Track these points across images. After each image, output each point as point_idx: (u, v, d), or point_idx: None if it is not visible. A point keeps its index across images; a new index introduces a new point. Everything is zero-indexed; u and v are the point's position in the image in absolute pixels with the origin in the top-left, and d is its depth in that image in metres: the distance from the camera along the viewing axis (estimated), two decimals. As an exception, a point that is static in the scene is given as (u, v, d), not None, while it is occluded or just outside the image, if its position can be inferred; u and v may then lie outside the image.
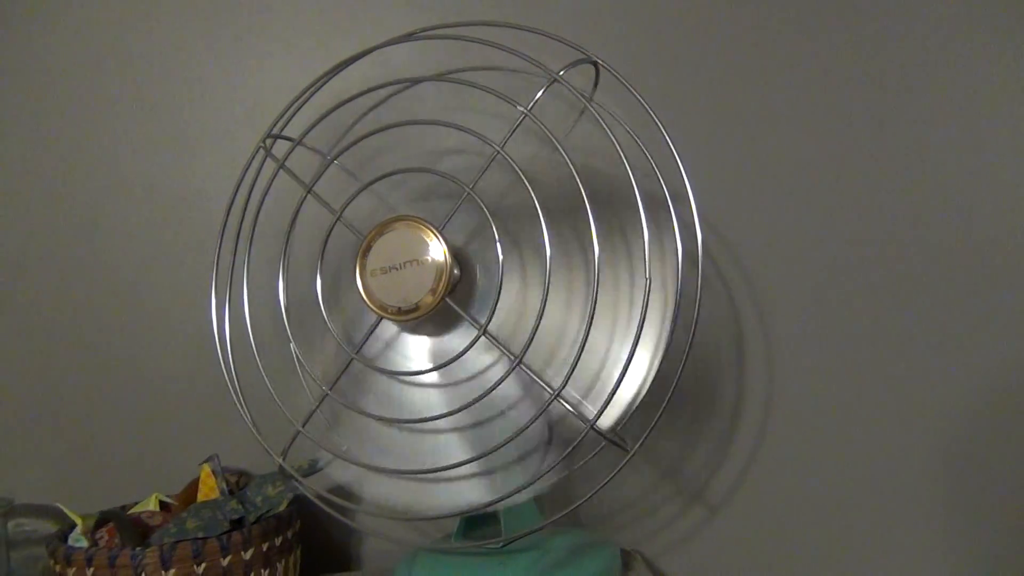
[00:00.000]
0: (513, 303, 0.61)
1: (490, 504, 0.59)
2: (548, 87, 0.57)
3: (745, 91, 0.87)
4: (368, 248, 0.60)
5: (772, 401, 0.86)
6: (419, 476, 0.63)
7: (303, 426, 0.64)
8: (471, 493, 0.62)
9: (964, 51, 0.85)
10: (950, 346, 0.85)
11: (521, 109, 0.57)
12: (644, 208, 0.54)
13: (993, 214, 0.84)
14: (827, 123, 0.86)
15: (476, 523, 0.70)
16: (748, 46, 0.87)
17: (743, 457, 0.86)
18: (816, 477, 0.86)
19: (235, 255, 0.68)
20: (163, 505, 0.78)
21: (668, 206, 0.60)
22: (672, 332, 0.58)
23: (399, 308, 0.59)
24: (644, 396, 0.58)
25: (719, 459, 0.87)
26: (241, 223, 0.68)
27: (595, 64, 0.61)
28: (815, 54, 0.86)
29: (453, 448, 0.63)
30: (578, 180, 0.54)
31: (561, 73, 0.57)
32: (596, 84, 0.64)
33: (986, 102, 0.85)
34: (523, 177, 0.55)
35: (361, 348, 0.62)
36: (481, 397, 0.57)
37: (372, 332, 0.62)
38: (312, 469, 0.74)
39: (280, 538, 0.72)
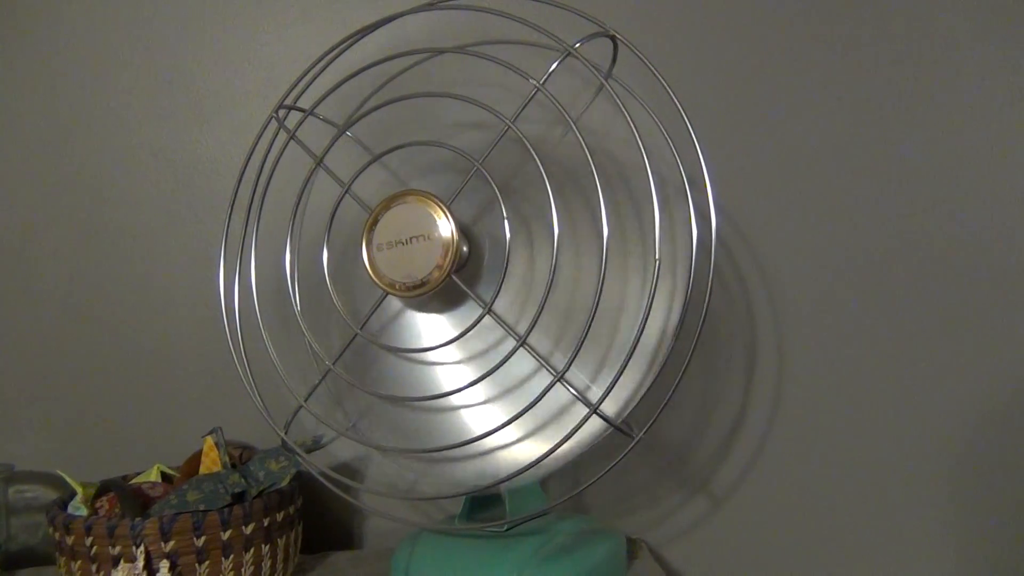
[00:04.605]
0: (521, 283, 0.60)
1: (492, 485, 0.57)
2: (562, 60, 0.55)
3: (771, 73, 0.85)
4: (375, 222, 0.58)
5: (781, 394, 0.85)
6: (423, 455, 0.62)
7: (305, 401, 0.63)
8: (475, 474, 0.61)
9: (995, 41, 0.83)
10: (963, 342, 0.84)
11: (533, 82, 0.55)
12: (656, 189, 0.52)
13: (1015, 213, 0.83)
14: (851, 111, 0.84)
15: (481, 505, 0.69)
16: (776, 25, 0.85)
17: (750, 450, 0.85)
18: (822, 472, 0.85)
19: (246, 227, 0.67)
20: (165, 476, 0.78)
21: (685, 189, 0.58)
22: (683, 318, 0.57)
23: (405, 284, 0.57)
24: (652, 383, 0.56)
25: (726, 451, 0.86)
26: (253, 195, 0.67)
27: (612, 38, 0.59)
28: (843, 39, 0.84)
29: (461, 428, 0.62)
30: (589, 158, 0.53)
31: (577, 46, 0.55)
32: (614, 59, 0.62)
33: (1013, 102, 0.83)
34: (534, 153, 0.54)
35: (365, 324, 0.61)
36: (484, 377, 0.56)
37: (377, 307, 0.61)
38: (316, 445, 0.73)
39: (282, 513, 0.71)
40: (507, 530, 0.66)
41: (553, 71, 0.56)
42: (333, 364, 0.62)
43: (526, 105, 0.56)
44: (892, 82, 0.84)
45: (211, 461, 0.75)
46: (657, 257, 0.52)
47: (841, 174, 0.84)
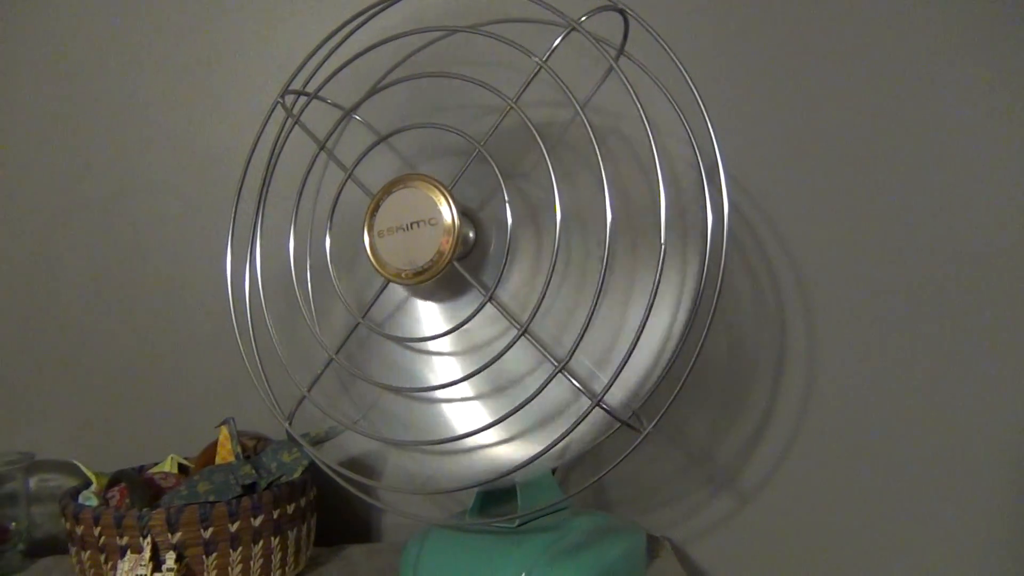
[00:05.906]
0: (528, 270, 0.58)
1: (495, 479, 0.55)
2: (565, 35, 0.53)
3: (797, 49, 0.81)
4: (376, 207, 0.57)
5: (812, 386, 0.82)
6: (429, 448, 0.61)
7: (309, 390, 0.61)
8: (483, 468, 0.59)
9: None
10: (1002, 332, 0.79)
11: (535, 60, 0.52)
12: (663, 172, 0.49)
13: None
14: (885, 91, 0.80)
15: (494, 499, 0.67)
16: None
17: (779, 445, 0.82)
18: (855, 470, 0.81)
19: (255, 215, 0.66)
20: (182, 467, 0.77)
21: (700, 172, 0.55)
22: (696, 307, 0.54)
23: (407, 270, 0.55)
24: (662, 374, 0.54)
25: (753, 446, 0.82)
26: (263, 183, 0.65)
27: (622, 12, 0.56)
28: (873, 14, 0.80)
29: (470, 419, 0.60)
30: (594, 141, 0.50)
31: (582, 20, 0.52)
32: (626, 35, 0.59)
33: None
34: (536, 134, 0.52)
35: (368, 312, 0.59)
36: (485, 367, 0.53)
37: (379, 295, 0.59)
38: (328, 436, 0.72)
39: (293, 505, 0.70)
40: (518, 525, 0.64)
41: (556, 47, 0.53)
42: (336, 353, 0.60)
43: (528, 84, 0.53)
44: (935, 60, 0.79)
45: (227, 452, 0.74)
46: (662, 242, 0.50)
47: (875, 155, 0.80)
